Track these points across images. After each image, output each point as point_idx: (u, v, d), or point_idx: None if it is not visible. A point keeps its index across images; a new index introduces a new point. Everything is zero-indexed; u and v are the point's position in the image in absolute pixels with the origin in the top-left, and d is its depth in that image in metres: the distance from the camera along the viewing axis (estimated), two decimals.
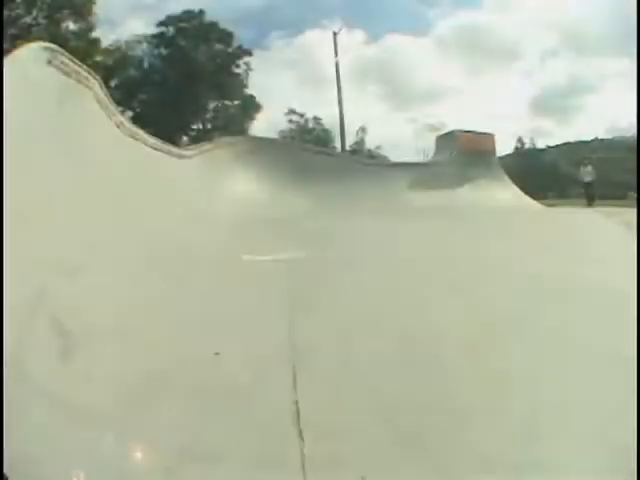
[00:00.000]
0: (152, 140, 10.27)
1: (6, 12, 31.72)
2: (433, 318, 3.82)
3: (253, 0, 67.03)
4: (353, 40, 69.14)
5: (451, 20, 74.18)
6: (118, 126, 8.50)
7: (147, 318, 3.67)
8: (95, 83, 7.87)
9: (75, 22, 37.15)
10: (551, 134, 79.86)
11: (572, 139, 60.05)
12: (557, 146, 53.68)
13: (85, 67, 7.65)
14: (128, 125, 9.18)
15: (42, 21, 35.55)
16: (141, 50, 40.63)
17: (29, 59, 6.02)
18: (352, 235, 8.65)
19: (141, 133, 9.73)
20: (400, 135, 68.74)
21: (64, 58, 6.88)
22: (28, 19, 35.02)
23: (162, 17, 41.49)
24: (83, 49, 33.34)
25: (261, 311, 4.06)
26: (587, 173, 22.25)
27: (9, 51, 5.91)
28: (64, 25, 36.71)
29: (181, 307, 4.11)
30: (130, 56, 39.69)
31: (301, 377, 2.78)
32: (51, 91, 6.30)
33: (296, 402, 2.50)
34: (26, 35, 31.27)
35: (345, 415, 2.43)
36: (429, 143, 33.14)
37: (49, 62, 6.44)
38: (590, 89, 69.45)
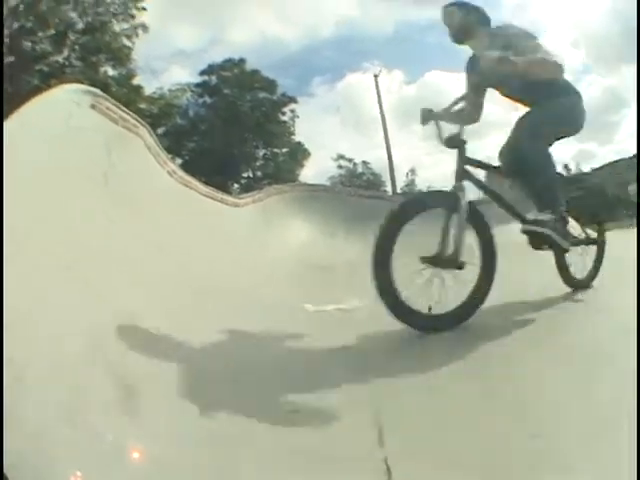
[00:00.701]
0: (205, 188, 9.87)
1: (30, 44, 32.49)
2: (508, 362, 3.28)
3: (291, 47, 67.79)
4: (394, 81, 69.84)
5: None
6: (170, 174, 8.12)
7: (208, 370, 3.22)
8: (145, 131, 7.51)
9: (114, 67, 38.08)
10: (595, 155, 78.26)
11: (615, 157, 58.77)
12: (602, 167, 52.80)
13: (132, 114, 7.28)
14: (180, 173, 8.79)
15: (76, 62, 36.36)
16: (185, 99, 41.46)
17: (70, 101, 5.64)
18: None
19: (194, 181, 9.32)
20: (449, 174, 68.31)
21: (109, 103, 6.54)
22: (59, 58, 35.80)
23: (203, 66, 42.46)
24: (125, 96, 33.92)
25: (332, 363, 3.49)
26: (634, 191, 21.06)
27: (40, 89, 5.53)
28: (102, 69, 37.59)
29: (244, 360, 3.56)
30: (175, 105, 40.38)
31: (387, 432, 2.32)
32: (97, 137, 5.91)
33: (385, 459, 2.03)
34: (59, 74, 32.10)
35: (438, 470, 2.03)
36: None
37: (92, 106, 6.06)
38: (625, 102, 67.40)
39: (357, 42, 67.77)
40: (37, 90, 5.59)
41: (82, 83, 7.70)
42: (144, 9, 37.48)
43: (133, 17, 38.04)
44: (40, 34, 35.15)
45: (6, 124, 4.09)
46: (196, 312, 4.50)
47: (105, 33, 38.09)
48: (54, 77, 36.85)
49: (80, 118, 5.64)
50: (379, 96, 32.17)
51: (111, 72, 38.23)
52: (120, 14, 37.78)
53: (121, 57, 39.18)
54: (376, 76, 32.82)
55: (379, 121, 32.57)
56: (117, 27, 38.19)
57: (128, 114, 7.05)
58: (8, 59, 34.50)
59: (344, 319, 5.02)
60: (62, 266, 3.38)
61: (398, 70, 74.35)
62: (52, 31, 35.22)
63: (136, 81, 38.80)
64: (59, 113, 5.25)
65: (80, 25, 36.53)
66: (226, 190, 18.98)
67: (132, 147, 6.94)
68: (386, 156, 32.34)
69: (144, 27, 38.31)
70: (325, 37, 67.09)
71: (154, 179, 7.40)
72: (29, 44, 33.40)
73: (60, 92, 5.67)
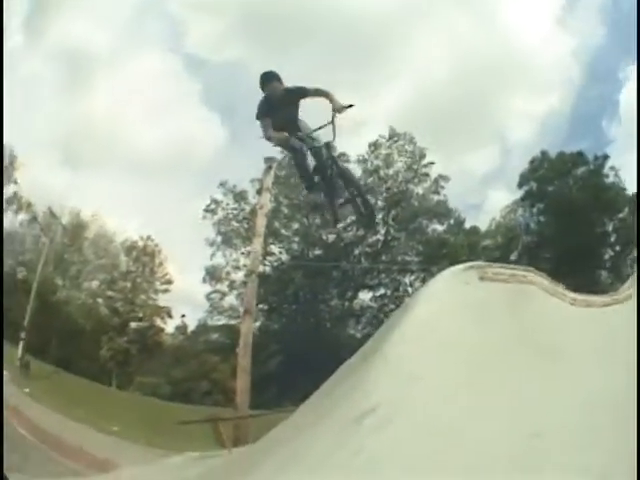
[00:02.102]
0: (601, 298, 9.14)
1: (335, 236, 35.50)
2: None
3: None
4: None
5: None
6: (572, 303, 7.74)
7: None
8: (535, 276, 7.44)
9: (440, 222, 40.07)
10: None
11: None
12: None
13: (517, 266, 7.66)
14: (580, 297, 8.19)
15: (396, 234, 39.13)
16: (519, 216, 41.21)
17: (460, 283, 6.02)
18: None
19: (590, 297, 8.68)
20: None
21: (493, 269, 6.75)
22: (378, 237, 39.09)
23: (515, 179, 41.98)
24: (468, 240, 35.26)
25: None
26: None
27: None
28: (430, 229, 39.75)
29: None
30: (514, 226, 40.39)
31: None
32: (496, 301, 6.17)
33: None
34: (386, 249, 34.90)
35: None
36: None
37: (481, 279, 6.27)
38: None
39: None
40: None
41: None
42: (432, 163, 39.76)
43: (427, 175, 40.24)
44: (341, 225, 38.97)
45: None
46: None
47: (411, 198, 40.80)
48: (380, 254, 40.09)
49: (476, 292, 5.98)
50: None
51: (439, 227, 40.17)
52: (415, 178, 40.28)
53: (440, 211, 41.11)
54: None
55: None
56: (419, 189, 40.48)
57: (514, 269, 7.23)
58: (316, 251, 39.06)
59: None
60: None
61: None
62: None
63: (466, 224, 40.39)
64: (455, 297, 5.64)
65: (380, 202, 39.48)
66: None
67: (530, 295, 6.90)
68: None
69: (444, 178, 40.14)
70: None
71: (562, 316, 7.16)
72: (333, 236, 36.92)
73: (446, 278, 6.14)
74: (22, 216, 45.72)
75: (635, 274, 11.40)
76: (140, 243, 46.93)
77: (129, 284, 46.14)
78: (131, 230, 47.44)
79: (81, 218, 46.77)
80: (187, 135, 55.81)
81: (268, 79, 7.10)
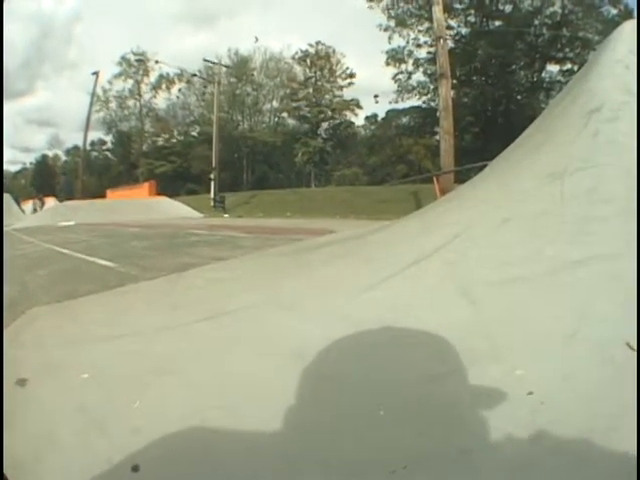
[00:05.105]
0: None
1: None
2: None
3: None
4: None
5: None
6: None
7: None
8: None
9: None
10: None
11: None
12: None
13: None
14: None
15: None
16: None
17: None
18: None
19: None
20: None
21: None
22: None
23: None
24: None
25: None
26: None
27: None
28: None
29: None
30: None
31: None
32: None
33: None
34: None
35: None
36: None
37: None
38: None
39: None
40: None
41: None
42: None
43: None
44: None
45: None
46: None
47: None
48: (560, 27, 36.00)
49: None
50: None
51: (613, 10, 36.07)
52: None
53: None
54: None
55: None
56: None
57: None
58: None
59: None
60: None
61: None
62: None
63: None
64: None
65: None
66: None
67: None
68: None
69: None
70: None
71: None
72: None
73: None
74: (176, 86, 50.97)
75: None
76: (311, 50, 47.65)
77: (311, 89, 47.35)
78: (296, 45, 50.22)
79: (240, 53, 49.38)
80: None
81: None
